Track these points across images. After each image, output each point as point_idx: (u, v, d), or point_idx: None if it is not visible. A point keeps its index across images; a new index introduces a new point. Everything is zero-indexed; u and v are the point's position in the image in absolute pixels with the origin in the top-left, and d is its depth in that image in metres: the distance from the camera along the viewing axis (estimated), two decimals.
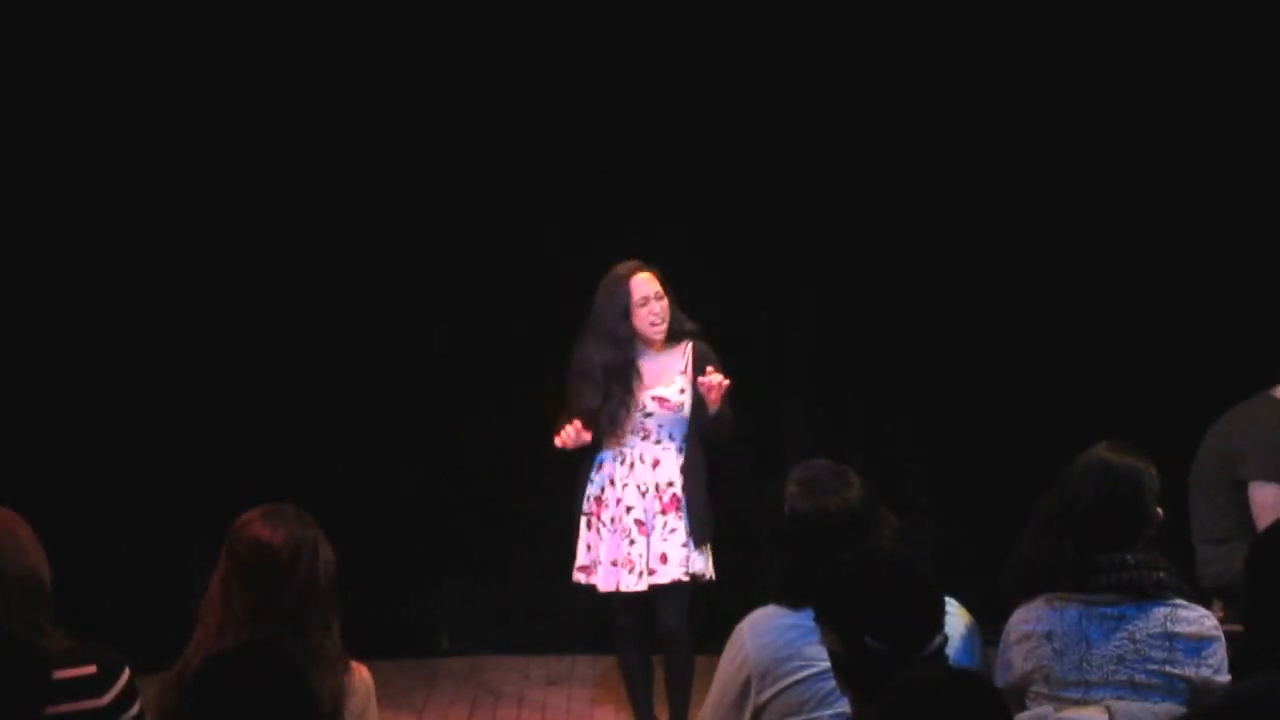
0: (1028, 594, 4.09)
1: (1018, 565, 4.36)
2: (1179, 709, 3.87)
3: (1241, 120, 7.27)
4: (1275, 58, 7.22)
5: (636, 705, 6.16)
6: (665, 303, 5.94)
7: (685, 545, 5.88)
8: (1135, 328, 7.45)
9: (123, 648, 3.63)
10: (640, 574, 5.87)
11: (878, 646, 3.22)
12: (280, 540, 3.62)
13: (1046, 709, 3.94)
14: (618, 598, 5.95)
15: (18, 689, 3.07)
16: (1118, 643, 3.92)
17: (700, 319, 6.07)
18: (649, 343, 5.95)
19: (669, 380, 5.97)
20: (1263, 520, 5.53)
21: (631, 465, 5.95)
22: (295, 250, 7.42)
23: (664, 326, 5.94)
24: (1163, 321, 7.41)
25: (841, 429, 7.48)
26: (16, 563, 3.46)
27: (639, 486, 5.92)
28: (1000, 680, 3.99)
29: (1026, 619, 4.02)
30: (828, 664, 3.45)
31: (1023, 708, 3.98)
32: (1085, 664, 3.93)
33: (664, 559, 5.88)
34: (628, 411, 5.90)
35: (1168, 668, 3.91)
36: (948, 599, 3.60)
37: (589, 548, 5.97)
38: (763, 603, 4.04)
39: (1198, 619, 3.96)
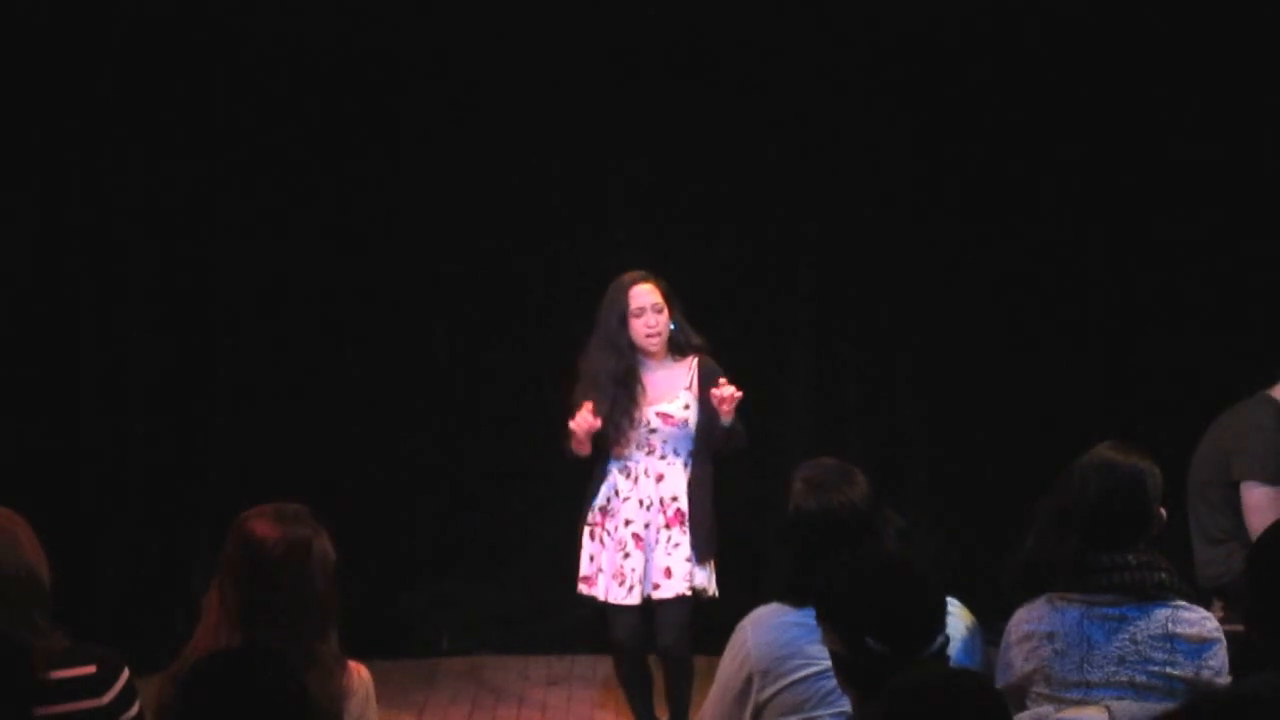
0: (1029, 594, 4.09)
1: (1020, 565, 4.35)
2: None
3: (1242, 121, 7.26)
4: (1275, 58, 7.22)
5: (637, 713, 6.17)
6: (664, 315, 5.93)
7: (689, 560, 5.88)
8: (1136, 328, 7.46)
9: (123, 648, 3.62)
10: (631, 588, 5.85)
11: (878, 647, 3.22)
12: (274, 538, 3.60)
13: (1047, 709, 3.94)
14: (611, 610, 5.94)
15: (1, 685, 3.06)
16: (1119, 643, 3.92)
17: (705, 333, 6.06)
18: (646, 353, 5.95)
19: (673, 396, 5.96)
20: (1254, 520, 5.53)
21: (635, 479, 5.94)
22: (296, 250, 7.42)
23: (659, 338, 5.93)
24: (1163, 322, 7.41)
25: (842, 428, 7.48)
26: (14, 562, 3.46)
27: (641, 500, 5.91)
28: (1001, 680, 3.99)
29: (1028, 619, 4.02)
30: (829, 663, 3.45)
31: (1023, 708, 3.98)
32: (1086, 664, 3.92)
33: (668, 573, 5.87)
34: (631, 420, 5.89)
35: (1168, 669, 3.91)
36: (949, 599, 3.60)
37: (592, 558, 5.97)
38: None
39: (1199, 620, 3.96)
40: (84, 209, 7.20)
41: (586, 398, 5.88)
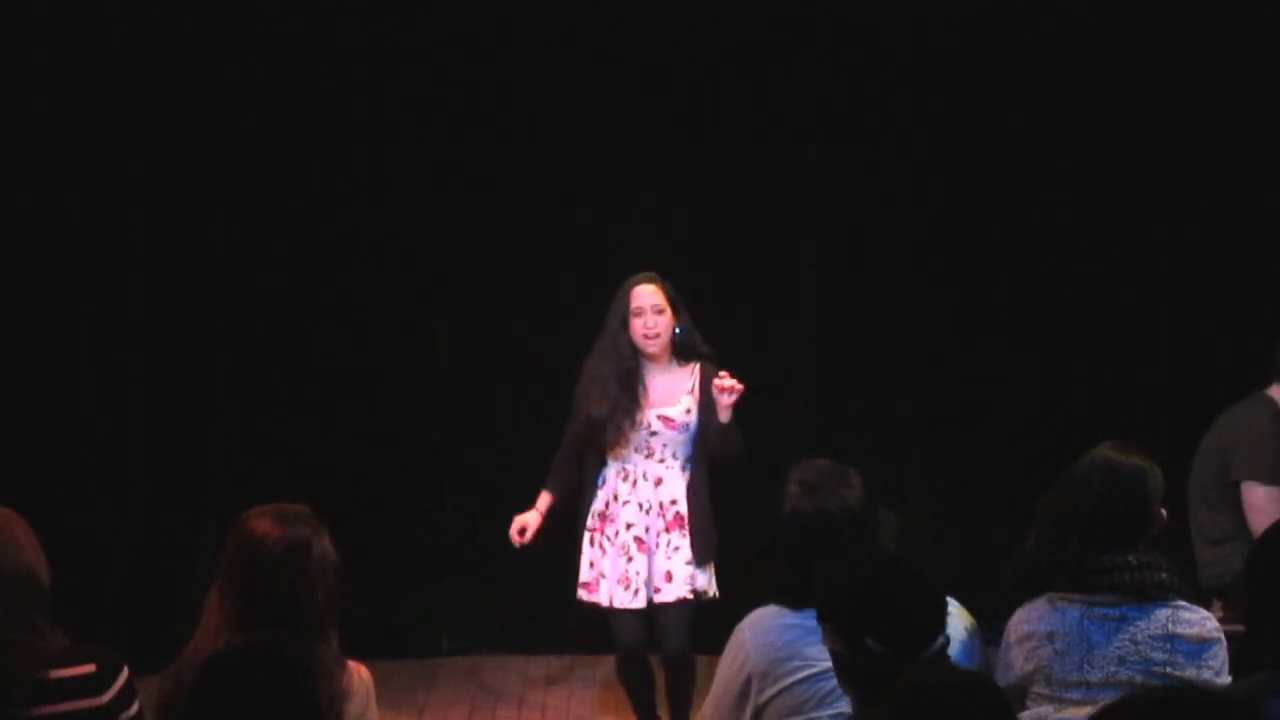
0: (1029, 594, 4.09)
1: (1020, 564, 4.35)
2: None
3: (1243, 121, 7.26)
4: (1276, 58, 7.22)
5: (639, 714, 6.16)
6: (664, 317, 5.91)
7: (689, 563, 5.87)
8: (1136, 328, 7.46)
9: (123, 648, 3.62)
10: (636, 591, 5.86)
11: (879, 647, 3.22)
12: (274, 538, 3.59)
13: (1047, 709, 3.94)
14: (615, 614, 5.93)
15: None
16: (1119, 644, 3.92)
17: (709, 340, 6.06)
18: (647, 355, 5.95)
19: (675, 400, 5.95)
20: (1254, 520, 5.54)
21: (634, 482, 5.94)
22: (296, 250, 7.42)
23: (658, 340, 5.92)
24: (1163, 322, 7.41)
25: (842, 429, 7.47)
26: (13, 561, 3.45)
27: (641, 504, 5.91)
28: (1001, 680, 3.99)
29: (1028, 619, 4.02)
30: (828, 664, 3.45)
31: (1024, 708, 3.98)
32: (1086, 665, 3.92)
33: (669, 577, 5.87)
34: (632, 421, 5.89)
35: (1168, 669, 3.91)
36: (949, 600, 3.60)
37: (591, 564, 5.96)
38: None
39: (1199, 621, 3.96)
40: (84, 209, 7.19)
41: (588, 397, 5.89)
